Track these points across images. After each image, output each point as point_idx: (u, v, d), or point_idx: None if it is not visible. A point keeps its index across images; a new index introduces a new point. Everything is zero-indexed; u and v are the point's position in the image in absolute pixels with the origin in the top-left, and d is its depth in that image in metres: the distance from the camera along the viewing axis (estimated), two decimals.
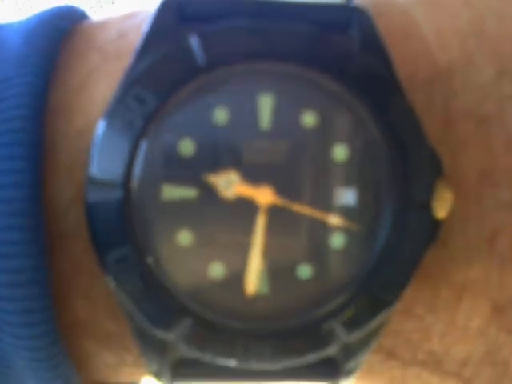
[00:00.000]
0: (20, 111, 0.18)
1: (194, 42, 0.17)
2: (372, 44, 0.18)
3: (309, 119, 0.18)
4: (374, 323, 0.18)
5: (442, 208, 0.18)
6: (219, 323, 0.18)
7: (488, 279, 0.19)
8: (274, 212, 0.18)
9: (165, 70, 0.17)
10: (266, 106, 0.18)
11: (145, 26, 0.18)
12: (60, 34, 0.20)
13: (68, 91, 0.19)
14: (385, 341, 0.20)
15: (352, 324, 0.18)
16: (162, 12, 0.18)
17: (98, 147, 0.17)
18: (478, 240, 0.19)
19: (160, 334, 0.18)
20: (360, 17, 0.18)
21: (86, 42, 0.20)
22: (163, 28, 0.18)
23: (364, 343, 0.19)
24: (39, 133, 0.18)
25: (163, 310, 0.17)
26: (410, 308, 0.20)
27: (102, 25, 0.21)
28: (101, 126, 0.17)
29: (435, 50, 0.19)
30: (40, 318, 0.18)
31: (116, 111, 0.17)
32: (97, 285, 0.19)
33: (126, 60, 0.18)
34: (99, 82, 0.19)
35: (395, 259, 0.18)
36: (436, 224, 0.18)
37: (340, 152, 0.18)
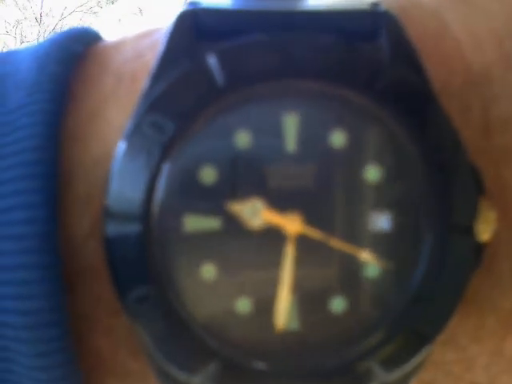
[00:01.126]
0: (33, 142, 0.17)
1: (212, 61, 0.16)
2: (402, 53, 0.17)
3: (337, 139, 0.16)
4: (414, 361, 0.17)
5: (485, 230, 0.17)
6: (248, 365, 0.16)
7: None
8: (303, 241, 0.16)
9: (182, 93, 0.16)
10: (290, 126, 0.16)
11: (160, 46, 0.17)
12: (73, 58, 0.19)
13: (83, 117, 0.18)
14: (424, 373, 0.18)
15: (391, 363, 0.17)
16: (176, 29, 0.17)
17: (114, 178, 0.16)
18: None
19: (184, 377, 0.16)
20: (388, 23, 0.17)
21: (100, 65, 0.19)
22: (179, 47, 0.17)
23: (403, 380, 0.17)
24: (53, 163, 0.17)
25: (188, 353, 0.16)
26: (452, 338, 0.18)
27: (117, 46, 0.20)
28: (117, 156, 0.16)
29: (470, 53, 0.18)
30: (58, 361, 0.17)
31: (132, 140, 0.16)
32: (118, 322, 0.18)
33: (143, 82, 0.17)
34: (115, 107, 0.18)
35: (436, 289, 0.17)
36: (480, 248, 0.17)
37: (373, 173, 0.16)
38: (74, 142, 0.18)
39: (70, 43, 0.19)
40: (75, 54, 0.19)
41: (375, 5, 0.17)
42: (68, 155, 0.18)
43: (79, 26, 0.21)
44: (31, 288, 0.16)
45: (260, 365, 0.16)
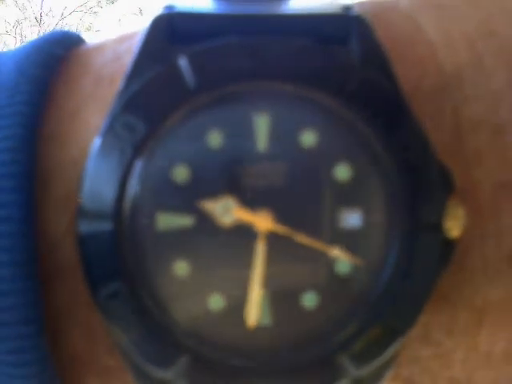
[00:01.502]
0: (10, 143, 0.17)
1: (183, 63, 0.17)
2: (373, 56, 0.17)
3: (308, 138, 0.17)
4: (386, 355, 0.17)
5: (455, 227, 0.17)
6: (220, 360, 0.17)
7: (510, 302, 0.18)
8: (273, 239, 0.17)
9: (154, 94, 0.17)
10: (261, 126, 0.17)
11: (135, 48, 0.17)
12: (53, 61, 0.19)
13: (62, 118, 0.19)
14: (402, 369, 0.19)
15: (363, 357, 0.17)
16: (151, 32, 0.17)
17: (87, 177, 0.17)
18: (497, 259, 0.18)
19: (157, 372, 0.17)
20: (359, 27, 0.17)
21: (80, 68, 0.20)
22: (153, 49, 0.17)
23: (377, 375, 0.17)
24: (30, 164, 0.18)
25: (159, 348, 0.17)
26: (427, 333, 0.18)
27: (98, 48, 0.20)
28: (91, 155, 0.17)
29: (442, 54, 0.18)
30: (33, 357, 0.17)
31: (105, 139, 0.17)
32: (95, 318, 0.18)
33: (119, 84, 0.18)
34: (93, 108, 0.19)
35: (406, 284, 0.17)
36: (450, 244, 0.17)
37: (342, 172, 0.17)
38: (54, 142, 0.18)
39: (49, 47, 0.20)
40: (55, 56, 0.20)
41: (347, 9, 0.18)
42: (47, 154, 0.18)
43: (60, 30, 0.21)
44: (4, 285, 0.17)
45: (232, 360, 0.17)
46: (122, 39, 0.20)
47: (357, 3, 0.19)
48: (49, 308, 0.18)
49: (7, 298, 0.17)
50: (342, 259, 0.17)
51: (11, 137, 0.17)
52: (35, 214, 0.18)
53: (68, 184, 0.18)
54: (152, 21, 0.17)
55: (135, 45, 0.18)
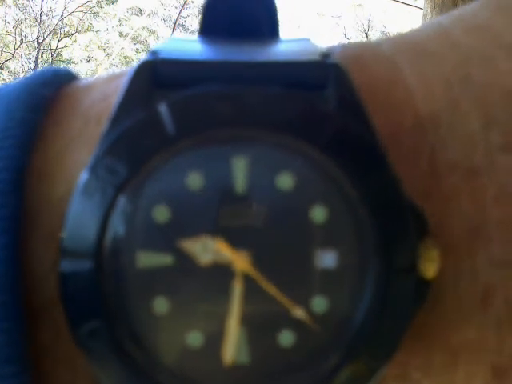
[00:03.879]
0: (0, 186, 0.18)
1: (162, 110, 0.17)
2: (349, 103, 0.17)
3: (285, 181, 0.17)
4: None
5: (429, 268, 0.18)
6: None
7: (485, 342, 0.18)
8: (250, 279, 0.17)
9: (135, 139, 0.17)
10: (240, 169, 0.17)
11: (120, 91, 0.18)
12: (43, 103, 0.20)
13: (50, 157, 0.19)
14: None
15: None
16: (135, 77, 0.18)
17: (70, 217, 0.17)
18: (471, 300, 0.18)
19: None
20: (337, 74, 0.18)
21: (70, 107, 0.20)
22: (136, 94, 0.18)
23: None
24: (17, 206, 0.18)
25: None
26: (404, 373, 0.19)
27: (87, 88, 0.21)
28: (74, 196, 0.17)
29: (420, 99, 0.19)
30: None
31: (88, 181, 0.17)
32: (77, 355, 0.18)
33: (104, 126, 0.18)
34: (80, 147, 0.19)
35: (380, 324, 0.17)
36: (425, 285, 0.18)
37: (318, 213, 0.17)
38: (41, 180, 0.19)
39: (39, 87, 0.20)
40: (44, 98, 0.20)
41: (326, 56, 0.18)
42: (35, 192, 0.19)
43: (50, 68, 0.21)
44: None
45: None
46: (110, 79, 0.21)
47: (340, 46, 0.20)
48: (33, 344, 0.18)
49: None
50: (319, 295, 0.17)
51: (2, 181, 0.18)
52: (21, 251, 0.18)
53: (54, 221, 0.18)
54: (137, 66, 0.18)
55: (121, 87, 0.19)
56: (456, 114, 0.19)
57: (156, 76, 0.18)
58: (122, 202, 0.17)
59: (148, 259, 0.17)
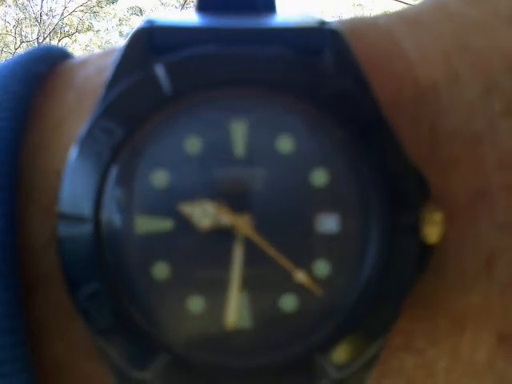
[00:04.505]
0: None
1: (159, 71, 0.17)
2: (346, 65, 0.17)
3: (284, 144, 0.17)
4: (364, 357, 0.17)
5: (432, 232, 0.17)
6: (198, 361, 0.17)
7: (489, 307, 0.18)
8: (251, 243, 0.17)
9: (131, 100, 0.17)
10: (239, 133, 0.17)
11: (116, 59, 0.18)
12: (36, 78, 0.20)
13: (46, 131, 0.19)
14: (387, 379, 0.19)
15: (341, 359, 0.17)
16: (131, 43, 0.18)
17: (66, 180, 0.17)
18: (475, 265, 0.18)
19: (136, 373, 0.17)
20: (334, 39, 0.18)
21: (64, 82, 0.20)
22: (132, 59, 0.18)
23: (357, 378, 0.18)
24: (13, 176, 0.18)
25: (138, 348, 0.17)
26: (409, 342, 0.18)
27: (81, 63, 0.21)
28: (69, 159, 0.17)
29: (418, 68, 0.19)
30: (14, 368, 0.17)
31: (84, 144, 0.17)
32: (75, 326, 0.18)
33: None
34: (77, 120, 0.19)
35: (383, 287, 0.17)
36: (428, 250, 0.17)
37: (319, 177, 0.17)
38: (37, 153, 0.19)
39: (33, 64, 0.20)
40: (39, 73, 0.20)
41: (322, 23, 0.18)
42: (31, 165, 0.19)
43: (44, 46, 0.22)
44: None
45: (210, 361, 0.17)
46: (105, 54, 0.21)
47: (338, 20, 0.20)
48: (31, 317, 0.18)
49: None
50: (321, 259, 0.17)
51: None
52: (18, 224, 0.18)
53: (50, 193, 0.18)
54: (132, 33, 0.18)
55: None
56: (455, 83, 0.19)
57: (152, 42, 0.18)
58: (118, 164, 0.17)
59: (147, 224, 0.17)
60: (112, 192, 0.17)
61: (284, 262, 0.17)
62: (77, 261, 0.17)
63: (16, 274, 0.18)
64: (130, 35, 0.18)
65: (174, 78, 0.17)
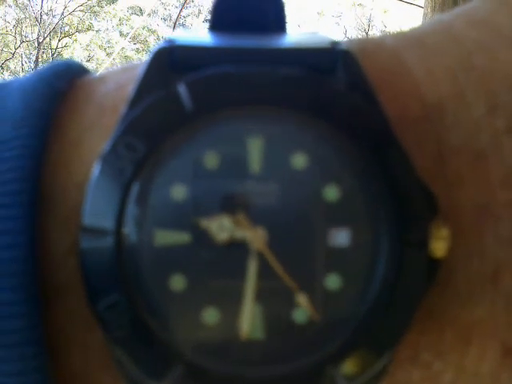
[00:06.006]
0: (15, 174, 0.18)
1: (181, 89, 0.18)
2: (358, 84, 0.18)
3: (298, 160, 0.18)
4: (374, 370, 0.18)
5: (440, 247, 0.18)
6: (213, 371, 0.17)
7: (495, 320, 0.19)
8: (265, 257, 0.17)
9: (154, 117, 0.18)
10: (255, 149, 0.18)
11: (138, 76, 0.18)
12: (57, 93, 0.20)
13: (67, 146, 0.20)
14: None
15: (351, 371, 0.18)
16: (153, 61, 0.18)
17: (89, 195, 0.17)
18: (481, 278, 0.19)
19: (151, 383, 0.17)
20: (346, 59, 0.18)
21: (84, 98, 0.21)
22: (154, 77, 0.18)
23: None
24: (34, 192, 0.19)
25: (154, 359, 0.17)
26: (416, 354, 0.19)
27: (101, 79, 0.22)
28: (93, 174, 0.18)
29: (425, 88, 0.19)
30: (34, 379, 0.18)
31: (107, 159, 0.18)
32: (93, 336, 0.19)
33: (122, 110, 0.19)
34: (97, 135, 0.20)
35: (393, 301, 0.18)
36: (436, 264, 0.18)
37: (331, 192, 0.18)
38: (58, 168, 0.19)
39: (54, 79, 0.21)
40: (59, 88, 0.21)
41: (335, 43, 0.19)
42: (52, 180, 0.19)
43: (64, 61, 0.22)
44: (6, 308, 0.18)
45: (225, 371, 0.17)
46: (124, 70, 0.22)
47: (345, 40, 0.21)
48: (49, 327, 0.19)
49: (8, 322, 0.18)
50: (333, 273, 0.18)
51: (18, 168, 0.19)
52: (39, 236, 0.19)
53: (71, 206, 0.19)
54: (154, 52, 0.19)
55: (137, 75, 0.19)
56: (461, 102, 0.19)
57: (173, 61, 0.18)
58: (140, 180, 0.17)
59: (165, 237, 0.17)
60: (133, 206, 0.17)
61: (289, 281, 0.17)
62: (97, 272, 0.17)
63: (35, 286, 0.18)
64: (151, 54, 0.19)
65: (195, 96, 0.18)
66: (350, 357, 0.18)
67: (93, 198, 0.17)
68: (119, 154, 0.17)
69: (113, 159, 0.17)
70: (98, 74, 0.22)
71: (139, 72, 0.19)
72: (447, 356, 0.19)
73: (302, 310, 0.18)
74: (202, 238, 0.17)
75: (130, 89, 0.19)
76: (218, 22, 0.21)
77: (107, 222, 0.17)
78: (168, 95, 0.18)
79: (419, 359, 0.19)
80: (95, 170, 0.18)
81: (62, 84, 0.21)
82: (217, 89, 0.18)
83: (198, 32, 0.21)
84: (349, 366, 0.18)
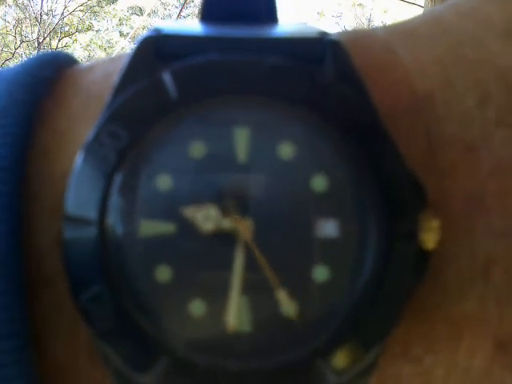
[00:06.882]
0: (0, 163, 0.18)
1: (166, 77, 0.17)
2: (346, 74, 0.18)
3: (286, 150, 0.17)
4: (363, 363, 0.17)
5: (430, 239, 0.18)
6: (198, 364, 0.17)
7: (486, 313, 0.18)
8: (252, 247, 0.17)
9: (138, 105, 0.17)
10: (242, 138, 0.17)
11: (123, 65, 0.18)
12: (42, 84, 0.20)
13: (52, 137, 0.20)
14: None
15: (340, 364, 0.17)
16: (139, 50, 0.18)
17: (72, 184, 0.17)
18: (472, 271, 0.18)
19: (137, 376, 0.17)
20: (334, 49, 0.18)
21: (70, 87, 0.21)
22: (139, 66, 0.18)
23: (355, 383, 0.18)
24: (19, 182, 0.18)
25: (139, 351, 0.17)
26: (407, 349, 0.19)
27: (89, 69, 0.21)
28: (76, 163, 0.17)
29: (415, 79, 0.19)
30: (18, 372, 0.18)
31: (90, 148, 0.17)
32: (78, 329, 0.18)
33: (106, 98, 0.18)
34: (83, 125, 0.19)
35: (381, 293, 0.17)
36: (425, 256, 0.18)
37: (319, 182, 0.17)
38: (44, 158, 0.19)
39: (38, 69, 0.20)
40: (44, 79, 0.20)
41: (324, 34, 0.19)
42: (37, 170, 0.19)
43: (50, 52, 0.22)
44: None
45: (211, 364, 0.17)
46: (112, 60, 0.21)
47: (337, 32, 0.21)
48: (33, 318, 0.18)
49: None
50: (321, 264, 0.17)
51: (1, 157, 0.18)
52: (24, 227, 0.18)
53: (56, 196, 0.19)
54: (139, 41, 0.18)
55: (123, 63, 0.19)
56: (451, 92, 0.19)
57: (159, 50, 0.18)
58: (124, 169, 0.17)
59: (150, 227, 0.17)
60: (117, 195, 0.17)
61: (271, 276, 0.17)
62: (80, 263, 0.17)
63: (18, 278, 0.18)
64: (137, 43, 0.18)
65: (180, 84, 0.17)
66: (339, 350, 0.17)
67: (76, 187, 0.17)
68: (102, 143, 0.17)
69: (96, 148, 0.17)
70: (86, 64, 0.22)
71: (124, 61, 0.18)
72: (438, 351, 0.19)
73: (290, 303, 0.17)
74: (187, 228, 0.17)
75: (115, 78, 0.19)
76: (208, 13, 0.21)
77: (90, 212, 0.17)
78: (153, 83, 0.17)
79: (410, 354, 0.19)
80: (78, 158, 0.17)
81: (48, 74, 0.21)
82: (202, 77, 0.17)
83: (186, 22, 0.21)
84: (338, 360, 0.17)
